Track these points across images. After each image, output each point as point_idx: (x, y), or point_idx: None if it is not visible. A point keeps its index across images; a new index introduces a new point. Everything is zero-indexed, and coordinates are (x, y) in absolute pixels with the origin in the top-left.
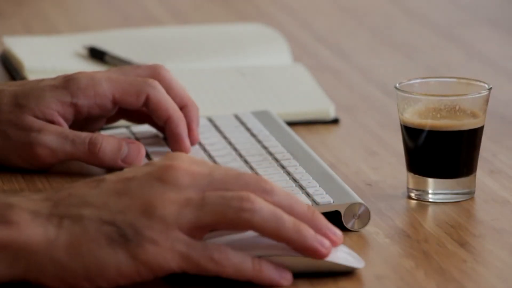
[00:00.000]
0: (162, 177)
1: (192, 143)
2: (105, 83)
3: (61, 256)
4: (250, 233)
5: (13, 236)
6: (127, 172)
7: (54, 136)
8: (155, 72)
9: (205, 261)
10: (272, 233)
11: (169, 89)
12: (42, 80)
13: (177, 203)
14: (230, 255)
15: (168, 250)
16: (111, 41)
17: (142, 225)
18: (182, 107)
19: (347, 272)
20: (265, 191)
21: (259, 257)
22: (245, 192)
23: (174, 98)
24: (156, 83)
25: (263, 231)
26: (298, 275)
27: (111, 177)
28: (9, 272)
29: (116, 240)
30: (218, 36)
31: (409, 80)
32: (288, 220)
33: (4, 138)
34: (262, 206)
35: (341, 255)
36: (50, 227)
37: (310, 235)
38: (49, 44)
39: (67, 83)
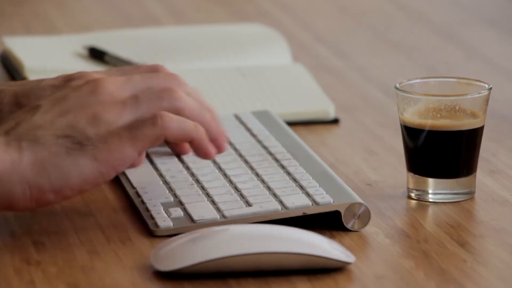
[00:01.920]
0: (93, 90)
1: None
2: None
3: (28, 174)
4: (249, 230)
5: None
6: (57, 95)
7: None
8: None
9: (151, 130)
10: (198, 117)
11: None
12: (43, 80)
13: (115, 107)
14: (171, 116)
15: (118, 142)
16: (111, 41)
17: (92, 132)
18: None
19: (346, 272)
20: (180, 84)
21: (258, 253)
22: (168, 85)
23: None
24: None
25: (190, 116)
26: (298, 274)
27: (44, 101)
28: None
29: (74, 148)
30: (218, 36)
31: (409, 80)
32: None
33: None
34: (185, 95)
35: (334, 251)
36: (11, 152)
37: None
38: (49, 44)
39: (67, 82)
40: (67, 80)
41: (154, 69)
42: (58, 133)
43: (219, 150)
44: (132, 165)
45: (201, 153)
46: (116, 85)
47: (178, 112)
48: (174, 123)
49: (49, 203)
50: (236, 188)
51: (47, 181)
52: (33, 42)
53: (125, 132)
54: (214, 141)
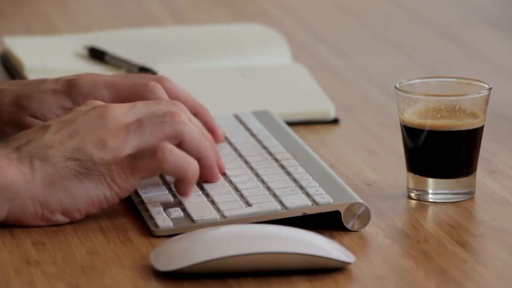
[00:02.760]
0: (100, 115)
1: (219, 141)
2: (105, 90)
3: (39, 193)
4: (249, 230)
5: (4, 180)
6: (66, 117)
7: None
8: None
9: (150, 162)
10: (198, 143)
11: (176, 99)
12: (45, 81)
13: (121, 132)
14: (171, 150)
15: (121, 170)
16: (111, 41)
17: (98, 157)
18: (195, 115)
19: (346, 272)
20: (182, 110)
21: (258, 253)
22: (171, 110)
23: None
24: (157, 87)
25: (191, 141)
26: (298, 274)
27: (53, 123)
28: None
29: (81, 172)
30: (218, 36)
31: (409, 80)
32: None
33: (3, 138)
34: (186, 120)
35: (334, 251)
36: (24, 169)
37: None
38: (49, 44)
39: (69, 88)
40: (69, 86)
41: (158, 80)
42: (67, 155)
43: (215, 179)
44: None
45: (183, 191)
46: (121, 110)
47: (180, 135)
48: (173, 157)
49: (57, 223)
50: (236, 188)
51: (56, 202)
52: (33, 42)
53: (126, 161)
54: (211, 168)
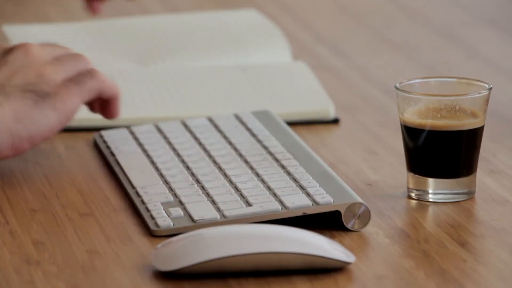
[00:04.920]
0: (28, 52)
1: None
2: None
3: (11, 125)
4: (249, 230)
5: None
6: None
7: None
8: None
9: (94, 83)
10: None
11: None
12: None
13: (50, 65)
14: (96, 75)
15: (69, 94)
16: (109, 34)
17: (45, 87)
18: None
19: (346, 272)
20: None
21: (258, 253)
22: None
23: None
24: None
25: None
26: (298, 274)
27: None
28: None
29: (39, 100)
30: (217, 32)
31: (409, 80)
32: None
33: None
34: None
35: (334, 251)
36: None
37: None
38: (48, 32)
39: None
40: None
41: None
42: (21, 88)
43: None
44: (106, 116)
45: (115, 111)
46: (38, 49)
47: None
48: (106, 78)
49: (23, 151)
50: (236, 188)
51: (24, 130)
52: (32, 30)
53: (72, 85)
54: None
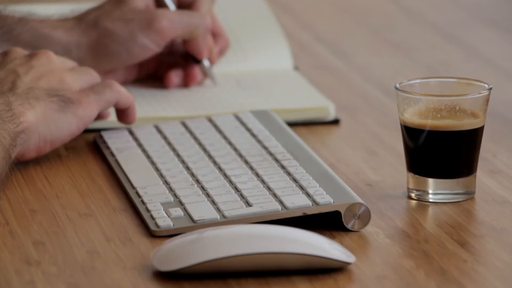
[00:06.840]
0: (49, 59)
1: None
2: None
3: (40, 128)
4: (249, 230)
5: (26, 122)
6: (19, 61)
7: (171, 12)
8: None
9: (112, 94)
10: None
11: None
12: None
13: (70, 72)
14: (114, 86)
15: (89, 102)
16: None
17: (67, 93)
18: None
19: (346, 272)
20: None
21: (258, 253)
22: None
23: None
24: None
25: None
26: (298, 274)
27: (14, 66)
28: (18, 152)
29: (63, 106)
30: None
31: (409, 80)
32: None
33: (124, 26)
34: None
35: (334, 251)
36: (28, 108)
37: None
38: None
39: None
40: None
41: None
42: (47, 92)
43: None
44: (101, 117)
45: (132, 117)
46: (56, 57)
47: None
48: (122, 89)
49: (44, 153)
50: (236, 188)
51: (49, 133)
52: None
53: (92, 95)
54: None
